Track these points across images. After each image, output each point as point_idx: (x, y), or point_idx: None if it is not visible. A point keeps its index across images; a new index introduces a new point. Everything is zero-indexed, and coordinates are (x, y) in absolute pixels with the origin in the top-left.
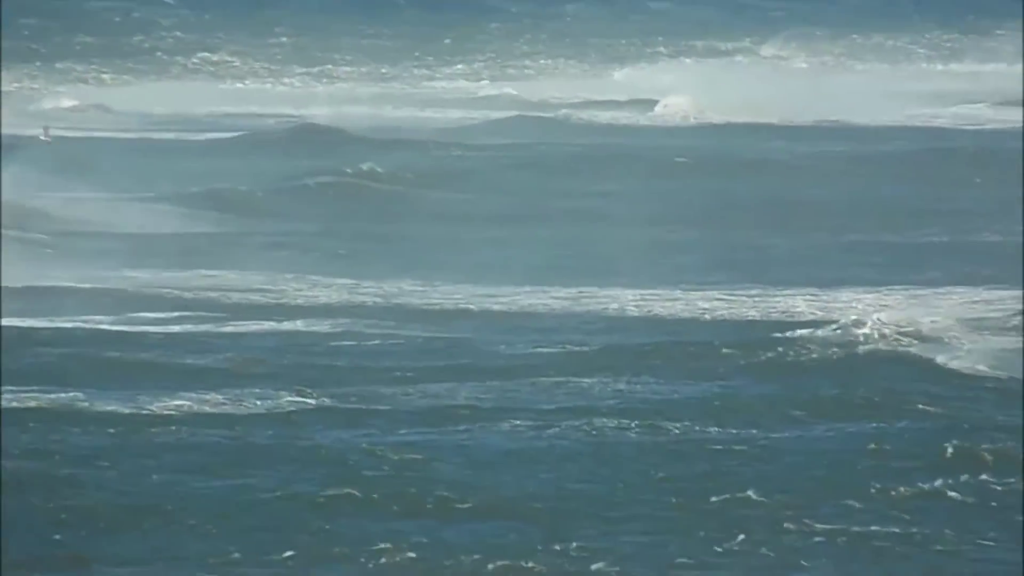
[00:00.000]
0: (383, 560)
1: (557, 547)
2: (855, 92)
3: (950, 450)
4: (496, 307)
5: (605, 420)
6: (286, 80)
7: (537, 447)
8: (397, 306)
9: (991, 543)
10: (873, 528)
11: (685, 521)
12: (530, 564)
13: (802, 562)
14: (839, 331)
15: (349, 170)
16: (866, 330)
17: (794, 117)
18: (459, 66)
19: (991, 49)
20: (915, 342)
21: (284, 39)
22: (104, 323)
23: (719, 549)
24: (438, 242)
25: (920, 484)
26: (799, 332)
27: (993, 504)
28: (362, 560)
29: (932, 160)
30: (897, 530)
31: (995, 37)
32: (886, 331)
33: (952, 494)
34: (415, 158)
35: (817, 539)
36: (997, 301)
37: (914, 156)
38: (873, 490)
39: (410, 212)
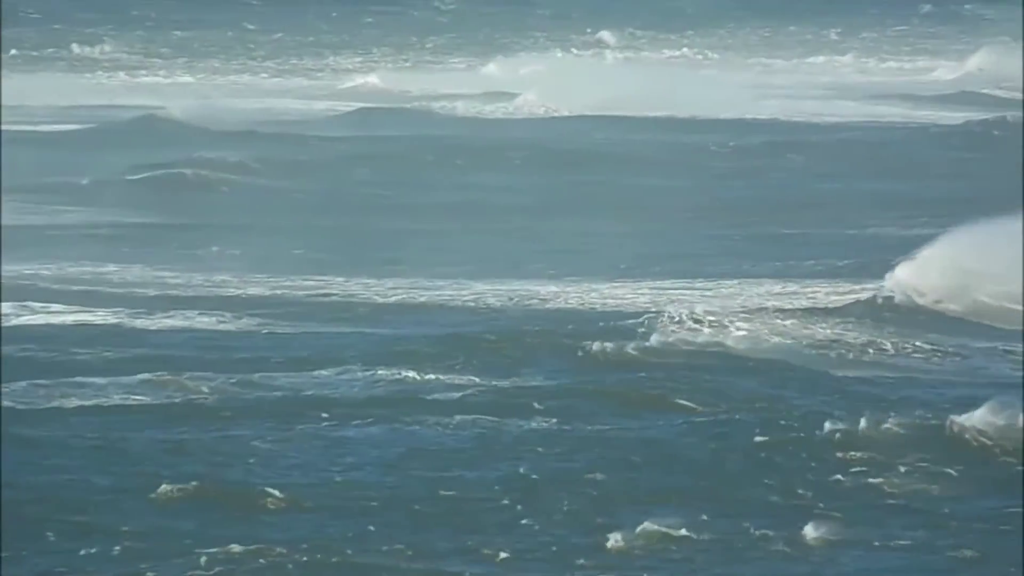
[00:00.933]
0: (206, 560)
1: (384, 547)
2: (725, 86)
3: (768, 442)
4: (378, 300)
5: (442, 416)
6: (158, 73)
7: (398, 442)
8: (279, 296)
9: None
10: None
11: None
12: (335, 559)
13: (666, 557)
14: (672, 323)
15: (201, 162)
16: (708, 324)
17: (662, 110)
18: (330, 58)
19: (864, 45)
20: (748, 335)
21: (153, 32)
22: None
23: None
24: (314, 234)
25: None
26: (629, 323)
27: (824, 495)
28: (185, 560)
29: (792, 153)
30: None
31: (873, 29)
32: (723, 323)
33: (774, 486)
34: (272, 150)
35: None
36: (846, 293)
37: (773, 149)
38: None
39: (273, 204)
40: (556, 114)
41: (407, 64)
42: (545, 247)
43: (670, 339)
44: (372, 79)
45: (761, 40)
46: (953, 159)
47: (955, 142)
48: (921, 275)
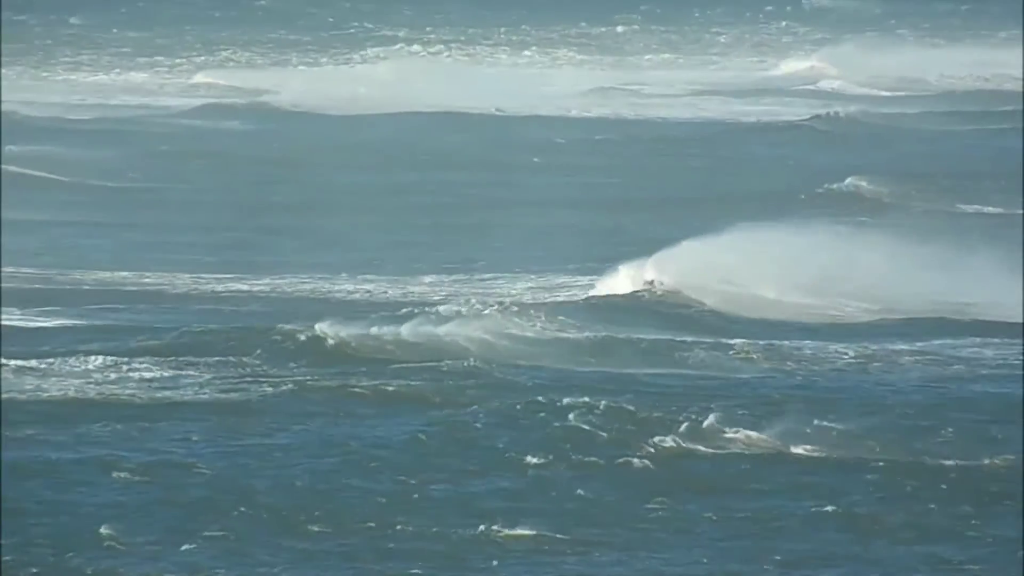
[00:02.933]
0: None
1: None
2: (572, 84)
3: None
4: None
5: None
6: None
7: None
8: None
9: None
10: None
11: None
12: None
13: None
14: (419, 317)
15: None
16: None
17: (502, 108)
18: (180, 55)
19: (709, 41)
20: (491, 330)
21: None
22: None
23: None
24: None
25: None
26: (369, 317)
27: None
28: None
29: (618, 149)
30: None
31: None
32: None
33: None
34: (94, 146)
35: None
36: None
37: (598, 146)
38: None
39: (81, 200)
40: (397, 111)
41: (254, 60)
42: (309, 243)
43: (416, 333)
44: (221, 76)
45: (610, 39)
46: (776, 154)
47: (785, 136)
48: (668, 270)
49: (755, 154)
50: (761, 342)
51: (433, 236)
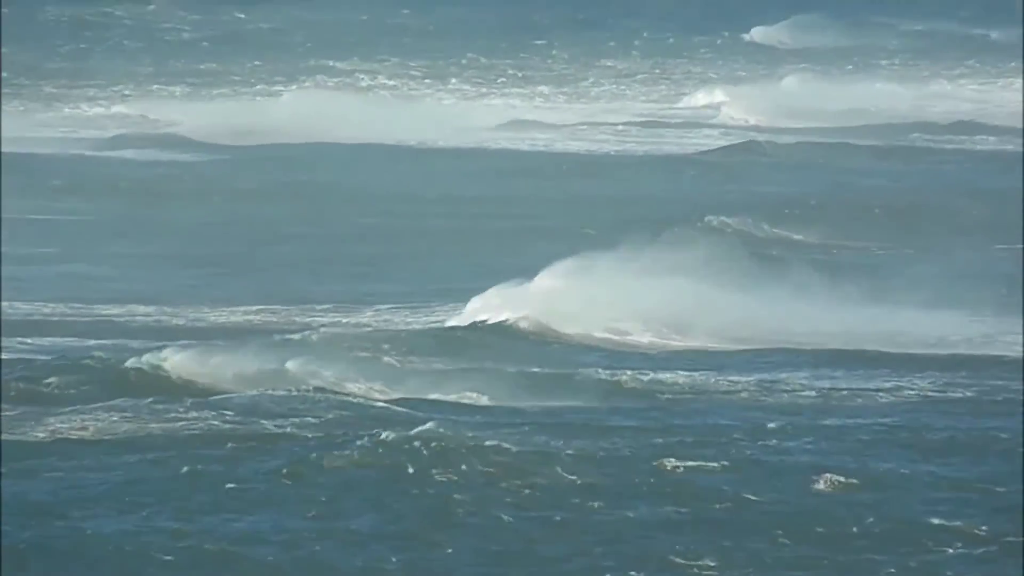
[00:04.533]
0: None
1: None
2: (476, 116)
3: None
4: None
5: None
6: None
7: None
8: None
9: None
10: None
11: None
12: None
13: None
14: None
15: None
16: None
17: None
18: (101, 87)
19: (616, 73)
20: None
21: None
22: None
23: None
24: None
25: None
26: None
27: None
28: None
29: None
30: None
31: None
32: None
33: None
34: None
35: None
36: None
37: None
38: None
39: None
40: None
41: (170, 92)
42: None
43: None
44: (135, 107)
45: (512, 71)
46: (667, 186)
47: (681, 169)
48: (521, 302)
49: (646, 185)
50: (603, 372)
51: (299, 268)
